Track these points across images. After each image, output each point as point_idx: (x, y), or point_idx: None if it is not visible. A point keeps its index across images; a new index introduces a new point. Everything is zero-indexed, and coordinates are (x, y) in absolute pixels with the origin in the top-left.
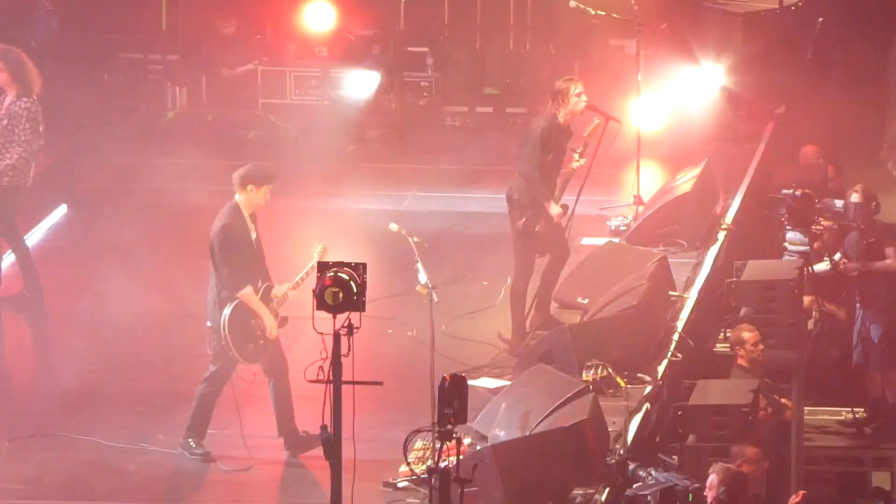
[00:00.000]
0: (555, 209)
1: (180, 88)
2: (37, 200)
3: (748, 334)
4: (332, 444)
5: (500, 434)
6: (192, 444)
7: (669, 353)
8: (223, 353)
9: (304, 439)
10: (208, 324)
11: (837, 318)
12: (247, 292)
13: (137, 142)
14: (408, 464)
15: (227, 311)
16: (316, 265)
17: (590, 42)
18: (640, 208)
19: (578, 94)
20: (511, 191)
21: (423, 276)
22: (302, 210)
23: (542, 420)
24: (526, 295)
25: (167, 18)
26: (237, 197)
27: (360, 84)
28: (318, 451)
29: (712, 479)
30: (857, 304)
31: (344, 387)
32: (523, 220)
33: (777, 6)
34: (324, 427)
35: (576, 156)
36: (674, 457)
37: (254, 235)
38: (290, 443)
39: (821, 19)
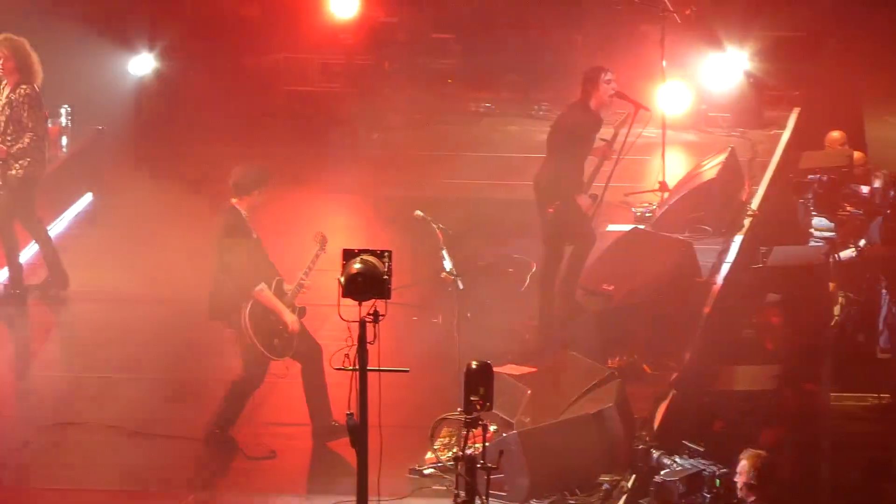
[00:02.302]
0: (584, 199)
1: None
2: (62, 189)
3: (776, 320)
4: (358, 431)
5: (527, 420)
6: (217, 431)
7: (695, 340)
8: (251, 353)
9: (333, 428)
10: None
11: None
12: (261, 289)
13: (163, 129)
14: (434, 451)
15: (245, 310)
16: (319, 253)
17: (618, 28)
18: (666, 195)
19: (608, 81)
20: (539, 178)
21: (448, 264)
22: (326, 197)
23: (569, 407)
24: (554, 282)
25: (191, 4)
26: (234, 200)
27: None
28: (345, 439)
29: (743, 464)
30: (883, 290)
31: (370, 374)
32: (552, 208)
33: None
34: (349, 415)
35: (602, 142)
36: (700, 443)
37: (254, 234)
38: (318, 431)
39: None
